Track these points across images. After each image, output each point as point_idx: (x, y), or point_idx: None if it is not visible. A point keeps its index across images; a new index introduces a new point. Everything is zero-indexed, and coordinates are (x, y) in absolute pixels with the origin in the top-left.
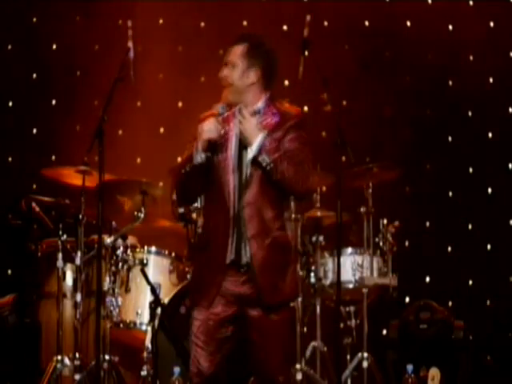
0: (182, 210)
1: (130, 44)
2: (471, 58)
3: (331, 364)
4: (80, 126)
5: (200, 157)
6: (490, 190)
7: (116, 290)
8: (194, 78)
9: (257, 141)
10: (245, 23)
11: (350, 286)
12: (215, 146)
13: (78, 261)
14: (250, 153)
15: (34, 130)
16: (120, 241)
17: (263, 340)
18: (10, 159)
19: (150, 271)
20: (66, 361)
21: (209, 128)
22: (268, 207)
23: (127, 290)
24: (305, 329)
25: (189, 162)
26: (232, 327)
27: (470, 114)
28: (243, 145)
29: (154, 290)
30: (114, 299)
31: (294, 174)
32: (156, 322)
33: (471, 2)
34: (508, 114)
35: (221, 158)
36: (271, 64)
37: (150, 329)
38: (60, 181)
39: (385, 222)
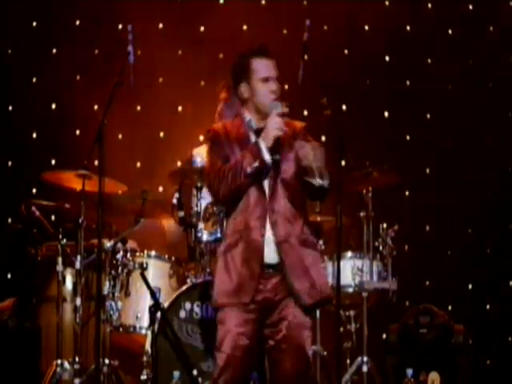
0: (181, 214)
1: (130, 48)
2: (470, 62)
3: (331, 368)
4: (80, 130)
5: (267, 158)
6: (489, 194)
7: (116, 294)
8: (193, 82)
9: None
10: (245, 28)
11: (350, 290)
12: (278, 147)
13: (77, 265)
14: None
15: (34, 135)
16: (120, 245)
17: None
18: (9, 163)
19: (150, 275)
20: (66, 365)
21: (278, 126)
22: (295, 211)
23: (127, 294)
24: None
25: (248, 163)
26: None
27: (469, 117)
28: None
29: (153, 294)
30: (113, 303)
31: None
32: (156, 326)
33: (470, 6)
34: (507, 118)
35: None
36: None
37: (149, 333)
38: (60, 185)
39: (384, 226)
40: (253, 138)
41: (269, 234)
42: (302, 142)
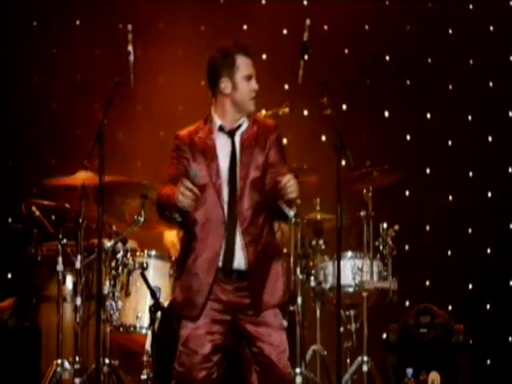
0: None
1: (130, 48)
2: (471, 61)
3: (331, 368)
4: (80, 129)
5: (176, 216)
6: (489, 194)
7: (116, 294)
8: (194, 81)
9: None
10: (245, 27)
11: (350, 289)
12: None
13: (78, 265)
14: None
15: (34, 134)
16: (120, 245)
17: (263, 347)
18: (10, 163)
19: (150, 275)
20: (66, 364)
21: (185, 203)
22: (260, 215)
23: (127, 294)
24: (305, 332)
25: (169, 206)
26: (222, 335)
27: (469, 117)
28: (234, 159)
29: (153, 294)
30: (114, 303)
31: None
32: (156, 325)
33: (471, 6)
34: (508, 117)
35: (210, 166)
36: None
37: (149, 332)
38: (60, 184)
39: (385, 225)
40: (219, 147)
41: (227, 238)
42: (289, 175)
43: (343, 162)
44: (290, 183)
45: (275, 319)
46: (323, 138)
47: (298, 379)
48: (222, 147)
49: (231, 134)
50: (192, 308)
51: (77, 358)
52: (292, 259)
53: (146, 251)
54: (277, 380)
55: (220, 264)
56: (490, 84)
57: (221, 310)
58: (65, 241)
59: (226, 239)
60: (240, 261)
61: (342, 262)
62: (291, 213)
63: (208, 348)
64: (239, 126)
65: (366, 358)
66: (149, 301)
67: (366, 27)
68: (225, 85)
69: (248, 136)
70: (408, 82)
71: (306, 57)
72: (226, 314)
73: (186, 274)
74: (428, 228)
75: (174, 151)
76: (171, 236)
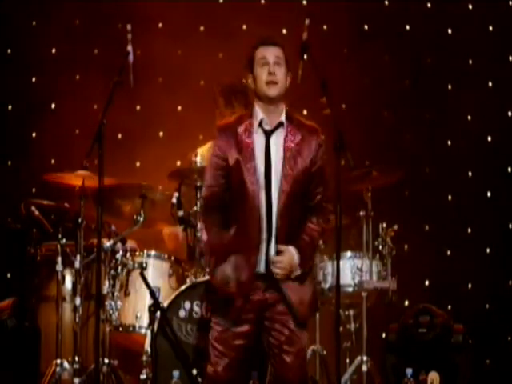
0: (181, 213)
1: (130, 48)
2: (470, 61)
3: (331, 367)
4: (79, 129)
5: None
6: (489, 194)
7: (115, 294)
8: (193, 81)
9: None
10: (244, 27)
11: (350, 289)
12: None
13: (77, 264)
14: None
15: (34, 134)
16: (119, 244)
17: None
18: (9, 163)
19: (150, 275)
20: (66, 364)
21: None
22: (296, 218)
23: (126, 294)
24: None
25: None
26: (251, 336)
27: (469, 117)
28: (270, 158)
29: (153, 294)
30: (113, 303)
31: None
32: (155, 325)
33: (471, 6)
34: (507, 117)
35: (246, 167)
36: None
37: (149, 332)
38: (60, 184)
39: (384, 225)
40: (258, 147)
41: (266, 240)
42: (286, 251)
43: (343, 162)
44: (279, 262)
45: (301, 336)
46: (322, 138)
47: None
48: (260, 147)
49: (267, 134)
50: (230, 307)
51: (76, 358)
52: None
53: (145, 251)
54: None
55: (260, 268)
56: (490, 84)
57: (250, 309)
58: (64, 241)
59: (264, 241)
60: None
61: (341, 262)
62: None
63: (237, 348)
64: (279, 126)
65: (365, 358)
66: (148, 301)
67: (366, 27)
68: (250, 80)
69: (290, 139)
70: (407, 81)
71: (305, 56)
72: (253, 313)
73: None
74: (427, 228)
75: (212, 146)
76: (169, 229)
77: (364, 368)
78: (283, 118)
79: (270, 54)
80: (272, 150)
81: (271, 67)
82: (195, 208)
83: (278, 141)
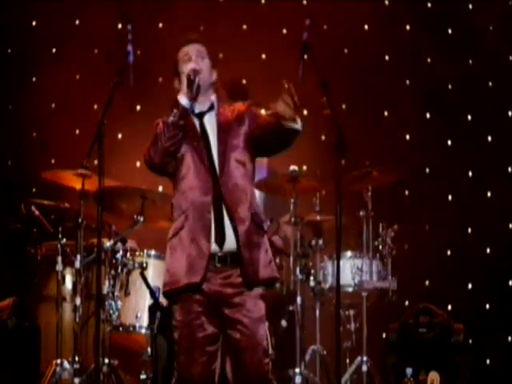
0: None
1: (130, 48)
2: (470, 61)
3: (331, 367)
4: (79, 129)
5: (184, 101)
6: (489, 194)
7: (115, 294)
8: None
9: None
10: (244, 27)
11: (350, 289)
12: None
13: (77, 264)
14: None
15: (34, 134)
16: (119, 244)
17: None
18: (9, 162)
19: (150, 275)
20: (66, 364)
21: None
22: (247, 188)
23: (127, 294)
24: (304, 332)
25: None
26: (215, 327)
27: (469, 117)
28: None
29: (153, 294)
30: (113, 303)
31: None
32: (155, 325)
33: (471, 6)
34: (508, 117)
35: (191, 145)
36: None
37: (149, 332)
38: (59, 184)
39: (384, 225)
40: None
41: (216, 217)
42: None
43: (343, 162)
44: (279, 105)
45: (255, 308)
46: (322, 138)
47: (298, 379)
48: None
49: (199, 116)
50: (193, 274)
51: (76, 358)
52: (291, 259)
53: (145, 251)
54: (252, 374)
55: (213, 247)
56: (490, 84)
57: (206, 302)
58: (64, 240)
59: (213, 218)
60: (231, 241)
61: (341, 262)
62: (297, 126)
63: (202, 340)
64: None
65: (365, 358)
66: (148, 300)
67: (366, 27)
68: (176, 82)
69: (222, 114)
70: (408, 81)
71: (305, 56)
72: (211, 305)
73: (180, 246)
74: (427, 228)
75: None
76: None
77: (364, 368)
78: (213, 99)
79: (192, 49)
80: (208, 129)
81: (194, 60)
82: None
83: (211, 120)
